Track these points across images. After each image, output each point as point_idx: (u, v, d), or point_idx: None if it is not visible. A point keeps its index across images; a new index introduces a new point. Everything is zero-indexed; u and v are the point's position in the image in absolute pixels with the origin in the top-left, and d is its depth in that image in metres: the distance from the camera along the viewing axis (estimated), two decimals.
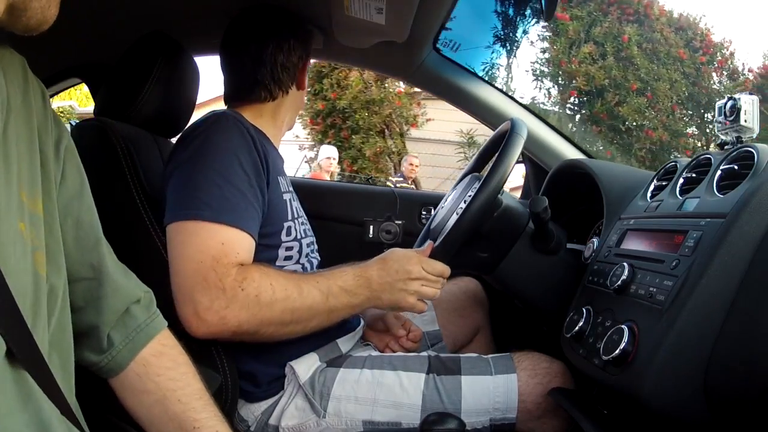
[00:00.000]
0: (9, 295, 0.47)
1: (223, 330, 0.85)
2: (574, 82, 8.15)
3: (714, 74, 8.56)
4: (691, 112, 8.63)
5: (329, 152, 6.43)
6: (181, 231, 0.87)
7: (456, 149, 8.35)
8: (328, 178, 5.91)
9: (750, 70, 8.74)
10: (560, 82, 8.57)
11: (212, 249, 0.85)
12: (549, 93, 8.71)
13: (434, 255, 0.99)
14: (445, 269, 1.01)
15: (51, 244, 0.57)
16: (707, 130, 8.63)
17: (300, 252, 1.04)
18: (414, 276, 0.97)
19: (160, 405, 0.67)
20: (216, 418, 0.68)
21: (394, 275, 0.97)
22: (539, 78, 8.60)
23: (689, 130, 8.75)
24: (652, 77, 7.98)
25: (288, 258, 1.02)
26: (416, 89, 8.41)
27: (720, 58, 8.52)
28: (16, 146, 0.53)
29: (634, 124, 7.98)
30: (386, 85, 8.15)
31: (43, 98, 0.61)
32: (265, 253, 0.98)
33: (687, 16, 8.61)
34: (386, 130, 8.27)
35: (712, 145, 8.67)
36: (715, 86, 8.54)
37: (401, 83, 8.27)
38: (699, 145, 8.72)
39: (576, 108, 8.64)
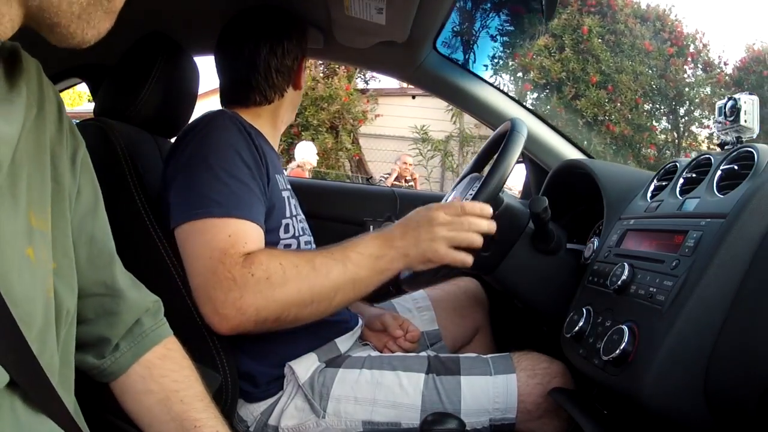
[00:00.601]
0: (14, 326, 0.46)
1: (243, 321, 0.83)
2: (528, 75, 8.05)
3: (686, 67, 8.34)
4: (658, 106, 8.42)
5: (310, 148, 6.29)
6: (192, 231, 0.87)
7: (410, 145, 8.36)
8: (308, 175, 5.81)
9: (726, 63, 8.57)
10: (518, 75, 8.45)
11: (220, 242, 0.84)
12: (507, 87, 8.55)
13: None
14: (475, 206, 0.92)
15: (63, 264, 0.56)
16: (679, 124, 8.40)
17: (294, 226, 1.05)
18: (439, 221, 0.91)
19: (162, 405, 0.67)
20: (216, 419, 0.69)
21: (416, 226, 0.92)
22: (497, 72, 8.51)
23: (659, 125, 8.52)
24: (614, 69, 7.82)
25: (286, 230, 1.02)
26: (366, 86, 8.52)
27: (693, 50, 8.30)
28: (26, 164, 0.51)
29: (595, 118, 7.80)
30: (334, 81, 8.24)
31: (58, 108, 0.59)
32: (272, 226, 0.98)
33: (656, 7, 8.38)
34: (338, 127, 8.32)
35: (686, 140, 8.39)
36: (688, 79, 8.32)
37: (350, 80, 8.36)
38: (668, 139, 8.49)
39: (535, 103, 8.48)
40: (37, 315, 0.50)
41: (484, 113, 1.56)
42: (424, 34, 1.33)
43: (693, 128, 8.63)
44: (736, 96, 0.91)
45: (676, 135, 8.51)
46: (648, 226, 0.89)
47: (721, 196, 0.77)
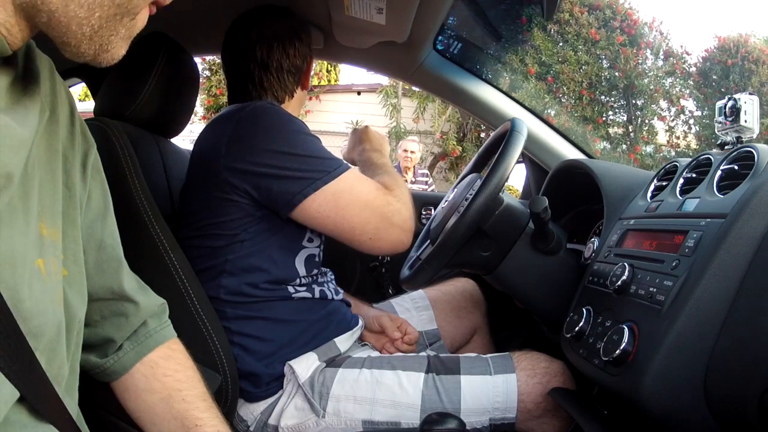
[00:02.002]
0: (24, 343, 0.46)
1: (411, 227, 1.03)
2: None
3: (641, 56, 7.86)
4: (607, 98, 8.00)
5: None
6: (337, 191, 0.95)
7: (345, 140, 8.10)
8: None
9: (687, 53, 8.14)
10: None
11: (364, 188, 0.99)
12: None
13: (435, 254, 0.99)
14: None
15: (74, 272, 0.56)
16: (633, 117, 7.96)
17: (320, 235, 1.09)
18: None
19: (164, 403, 0.67)
20: (218, 419, 0.69)
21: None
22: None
23: (615, 117, 8.10)
24: (556, 60, 7.47)
25: (310, 240, 1.06)
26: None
27: (650, 38, 7.87)
28: (38, 171, 0.50)
29: (533, 111, 7.48)
30: None
31: (71, 110, 0.58)
32: (296, 230, 1.02)
33: None
34: None
35: (644, 132, 7.96)
36: (645, 69, 7.88)
37: None
38: (625, 132, 8.11)
39: None
40: (48, 327, 0.49)
41: (485, 113, 1.56)
42: (424, 34, 1.33)
43: (655, 121, 8.14)
44: (737, 96, 0.91)
45: (632, 127, 8.06)
46: (648, 226, 0.89)
47: (721, 196, 0.76)
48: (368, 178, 1.04)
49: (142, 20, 0.48)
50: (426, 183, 4.69)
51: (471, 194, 1.00)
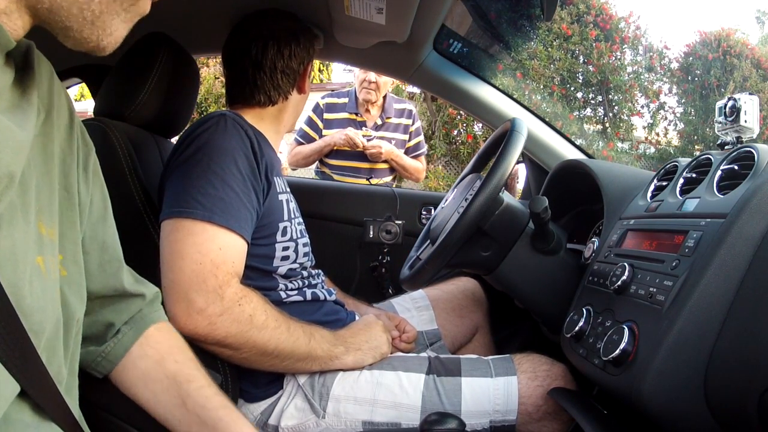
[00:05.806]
0: (26, 338, 0.46)
1: (208, 335, 0.85)
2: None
3: (618, 52, 7.75)
4: (580, 94, 7.88)
5: None
6: (177, 228, 0.88)
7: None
8: None
9: (666, 47, 8.12)
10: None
11: (211, 252, 0.86)
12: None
13: (435, 254, 0.99)
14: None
15: (73, 272, 0.56)
16: (608, 112, 7.87)
17: (296, 252, 1.05)
18: (384, 351, 1.05)
19: (157, 365, 0.70)
20: (206, 379, 0.72)
21: (366, 328, 1.05)
22: None
23: (594, 114, 8.02)
24: (526, 56, 7.37)
25: (285, 258, 1.03)
26: None
27: (626, 33, 7.77)
28: (34, 172, 0.51)
29: None
30: None
31: (70, 115, 0.59)
32: (264, 249, 0.99)
33: None
34: None
35: (619, 129, 7.82)
36: (621, 64, 7.78)
37: None
38: (590, 129, 8.02)
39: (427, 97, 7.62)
40: (47, 324, 0.50)
41: (484, 113, 1.56)
42: (424, 34, 1.33)
43: (632, 117, 8.06)
44: (736, 96, 0.91)
45: (607, 122, 7.97)
46: (648, 226, 0.89)
47: (721, 196, 0.76)
48: (226, 247, 0.88)
49: (144, 4, 0.49)
50: (405, 130, 2.57)
51: (471, 194, 1.00)
